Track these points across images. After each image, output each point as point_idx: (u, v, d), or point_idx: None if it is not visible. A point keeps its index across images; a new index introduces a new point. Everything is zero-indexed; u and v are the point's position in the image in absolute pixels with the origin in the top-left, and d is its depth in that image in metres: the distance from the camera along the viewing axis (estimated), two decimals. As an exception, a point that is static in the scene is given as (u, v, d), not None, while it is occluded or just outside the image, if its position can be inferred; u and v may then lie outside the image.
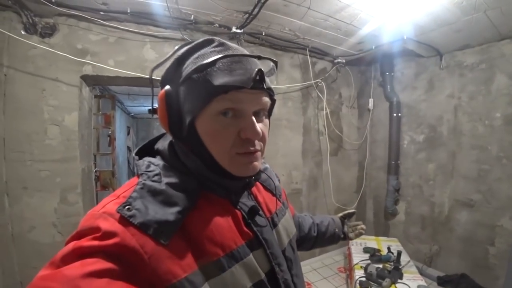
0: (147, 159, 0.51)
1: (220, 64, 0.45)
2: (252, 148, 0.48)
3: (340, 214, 1.00)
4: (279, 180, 0.74)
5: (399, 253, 2.15)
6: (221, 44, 0.49)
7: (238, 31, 2.21)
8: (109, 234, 0.38)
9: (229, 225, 0.49)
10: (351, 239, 0.98)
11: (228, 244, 0.47)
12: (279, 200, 0.66)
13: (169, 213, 0.42)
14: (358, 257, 2.40)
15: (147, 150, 0.56)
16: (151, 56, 2.16)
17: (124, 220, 0.39)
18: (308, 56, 2.72)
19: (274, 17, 2.08)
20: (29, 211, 1.87)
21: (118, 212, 0.40)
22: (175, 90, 0.48)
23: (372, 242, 2.66)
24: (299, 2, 1.86)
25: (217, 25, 2.15)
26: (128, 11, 1.92)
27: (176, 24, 2.09)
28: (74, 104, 1.98)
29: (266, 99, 0.50)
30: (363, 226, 0.99)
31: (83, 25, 1.98)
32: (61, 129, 1.95)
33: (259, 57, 0.50)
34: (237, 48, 0.50)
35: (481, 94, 2.26)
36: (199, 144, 0.48)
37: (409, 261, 2.25)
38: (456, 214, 2.44)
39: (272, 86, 0.52)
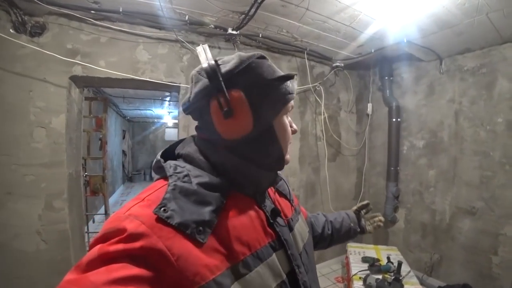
0: (171, 162, 0.51)
1: (291, 80, 0.56)
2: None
3: (354, 208, 1.01)
4: (288, 186, 0.75)
5: (400, 264, 2.07)
6: (267, 59, 0.58)
7: (234, 32, 2.15)
8: (135, 236, 0.37)
9: (253, 225, 0.51)
10: (370, 232, 1.00)
11: (253, 244, 0.48)
12: (292, 206, 0.69)
13: (205, 212, 0.44)
14: (357, 267, 2.31)
15: (168, 155, 0.57)
16: (144, 58, 2.09)
17: (158, 222, 0.39)
18: (306, 60, 2.67)
19: (271, 18, 2.02)
20: (13, 218, 1.78)
21: (155, 214, 0.40)
22: (249, 93, 0.51)
23: (371, 251, 2.57)
24: (297, 2, 1.80)
25: (212, 26, 2.09)
26: (121, 10, 1.85)
27: (170, 24, 2.03)
28: (62, 106, 1.91)
29: None
30: (381, 218, 1.02)
31: (74, 25, 1.91)
32: (47, 132, 1.86)
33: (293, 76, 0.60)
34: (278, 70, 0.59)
35: (482, 99, 2.21)
36: (270, 140, 0.55)
37: (409, 272, 2.16)
38: (458, 222, 2.37)
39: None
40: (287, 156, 0.59)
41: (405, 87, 2.81)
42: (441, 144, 2.51)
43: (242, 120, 0.51)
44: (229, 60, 0.54)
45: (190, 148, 0.55)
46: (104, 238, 0.39)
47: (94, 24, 1.93)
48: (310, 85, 2.78)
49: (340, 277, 2.81)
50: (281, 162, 0.58)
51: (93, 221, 4.21)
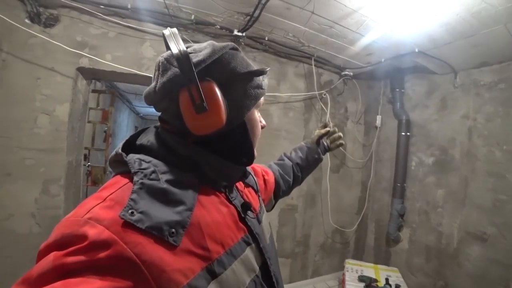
0: (134, 155, 0.46)
1: (264, 75, 0.57)
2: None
3: (315, 138, 1.06)
4: (253, 176, 0.75)
5: (398, 287, 1.93)
6: (240, 51, 0.57)
7: (240, 34, 2.15)
8: (99, 244, 0.33)
9: (226, 220, 0.50)
10: (333, 149, 1.10)
11: (226, 241, 0.47)
12: (259, 197, 0.71)
13: (177, 212, 0.41)
14: (352, 286, 2.20)
15: (129, 147, 0.51)
16: (149, 54, 2.13)
17: (124, 226, 0.36)
18: (313, 66, 2.62)
19: (276, 21, 2.00)
20: (9, 199, 1.83)
21: (121, 218, 0.36)
22: (225, 85, 0.50)
23: (369, 270, 2.43)
24: (302, 5, 1.77)
25: (218, 26, 2.11)
26: (129, 6, 1.91)
27: (176, 23, 2.07)
28: (67, 95, 1.97)
29: None
30: (340, 134, 1.09)
31: (85, 18, 1.99)
32: (51, 119, 1.93)
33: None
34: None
35: (499, 116, 2.05)
36: (242, 135, 0.54)
37: (408, 296, 2.01)
38: (467, 247, 2.18)
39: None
40: (255, 152, 0.59)
41: (416, 100, 2.67)
42: (451, 162, 2.35)
43: (215, 115, 0.48)
44: (201, 48, 0.51)
45: (155, 141, 0.51)
46: (59, 244, 0.34)
47: (104, 19, 1.99)
48: (316, 92, 2.71)
49: (334, 294, 2.67)
50: (251, 157, 0.57)
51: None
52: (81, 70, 2.03)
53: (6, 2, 1.83)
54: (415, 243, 2.58)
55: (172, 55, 0.48)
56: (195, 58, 0.48)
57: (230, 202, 0.54)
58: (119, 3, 1.91)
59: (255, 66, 0.57)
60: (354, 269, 2.45)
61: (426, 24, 1.75)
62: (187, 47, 0.51)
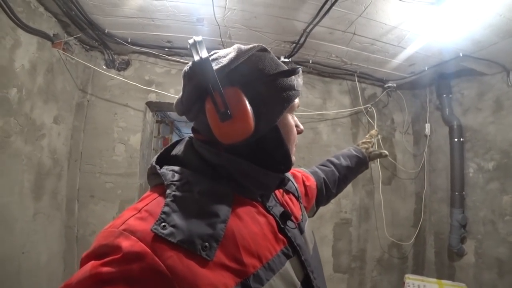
0: (168, 167, 0.47)
1: (297, 74, 0.54)
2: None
3: (370, 152, 1.05)
4: (294, 182, 0.73)
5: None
6: (268, 51, 0.56)
7: (286, 60, 2.34)
8: (131, 256, 0.34)
9: (263, 232, 0.47)
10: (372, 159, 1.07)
11: (264, 254, 0.44)
12: (300, 204, 0.67)
13: (210, 225, 0.40)
14: (417, 301, 2.09)
15: (164, 159, 0.52)
16: (205, 85, 2.40)
17: (156, 240, 0.36)
18: (357, 82, 2.71)
19: (320, 45, 2.16)
20: (93, 217, 2.14)
21: (153, 231, 0.36)
22: (253, 90, 0.48)
23: (433, 285, 2.29)
24: (344, 28, 1.91)
25: (267, 55, 2.32)
26: (188, 47, 2.19)
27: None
28: (139, 126, 2.28)
29: None
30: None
31: (151, 60, 2.34)
32: (126, 147, 2.23)
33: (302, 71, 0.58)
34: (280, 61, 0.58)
35: None
36: (275, 142, 0.51)
37: (484, 312, 1.87)
38: (546, 258, 2.00)
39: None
40: (293, 158, 0.55)
41: (467, 104, 2.59)
42: (516, 166, 2.22)
43: (241, 122, 0.45)
44: (226, 53, 0.50)
45: (188, 151, 0.51)
46: (97, 254, 0.36)
47: (167, 59, 2.33)
48: (362, 107, 2.77)
49: (397, 312, 2.53)
50: (288, 163, 0.54)
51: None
52: (149, 104, 2.35)
53: (91, 54, 2.24)
54: (482, 256, 2.39)
55: (195, 63, 0.47)
56: (219, 64, 0.47)
57: (268, 211, 0.52)
58: (179, 45, 2.22)
59: (286, 66, 0.54)
60: (416, 284, 2.33)
61: (469, 28, 1.76)
62: (212, 54, 0.51)
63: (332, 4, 1.61)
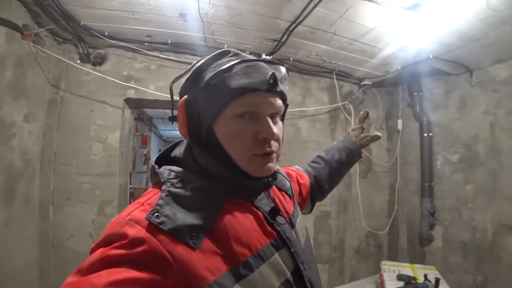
0: (166, 167, 0.51)
1: (236, 69, 0.47)
2: (268, 149, 0.50)
3: (360, 139, 0.96)
4: (289, 181, 0.75)
5: (438, 281, 1.99)
6: (236, 54, 0.52)
7: (267, 57, 2.33)
8: (136, 241, 0.38)
9: (253, 226, 0.50)
10: (365, 145, 0.98)
11: (254, 244, 0.47)
12: (292, 201, 0.68)
13: (198, 217, 0.44)
14: (392, 285, 2.24)
15: (164, 159, 0.57)
16: (187, 81, 2.35)
17: (153, 227, 0.40)
18: (335, 80, 2.81)
19: (301, 43, 2.21)
20: (70, 220, 2.03)
21: (147, 220, 0.41)
22: (194, 98, 0.51)
23: (406, 269, 2.47)
24: (325, 28, 1.97)
25: (248, 52, 2.30)
26: (169, 42, 2.15)
27: (211, 52, 2.29)
28: (117, 124, 2.19)
29: (280, 103, 0.53)
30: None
31: (129, 55, 2.24)
32: (104, 146, 2.14)
33: (273, 62, 0.53)
34: (251, 57, 0.52)
35: (518, 110, 2.17)
36: (218, 148, 0.50)
37: (450, 291, 2.06)
38: (502, 240, 2.23)
39: (285, 91, 0.54)
40: (270, 164, 0.52)
41: (435, 102, 2.80)
42: (477, 157, 2.44)
43: (179, 126, 0.52)
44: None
45: (186, 154, 0.55)
46: (106, 242, 0.40)
47: (146, 54, 2.24)
48: (340, 104, 2.89)
49: (374, 297, 2.70)
50: (240, 171, 0.51)
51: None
52: (128, 101, 2.26)
53: (63, 47, 2.11)
54: (449, 240, 2.63)
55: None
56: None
57: (257, 208, 0.54)
58: (160, 40, 2.15)
59: (225, 68, 0.48)
60: (391, 269, 2.50)
61: (439, 33, 1.91)
62: None
63: (316, 5, 1.66)
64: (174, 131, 5.49)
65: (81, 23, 1.84)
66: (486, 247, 2.33)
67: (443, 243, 2.67)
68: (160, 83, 2.28)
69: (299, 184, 0.82)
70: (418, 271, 2.40)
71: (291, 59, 2.47)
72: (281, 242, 0.53)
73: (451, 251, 2.59)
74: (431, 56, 2.22)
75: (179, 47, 2.24)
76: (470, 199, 2.47)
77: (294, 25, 1.91)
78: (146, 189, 2.29)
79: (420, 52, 2.21)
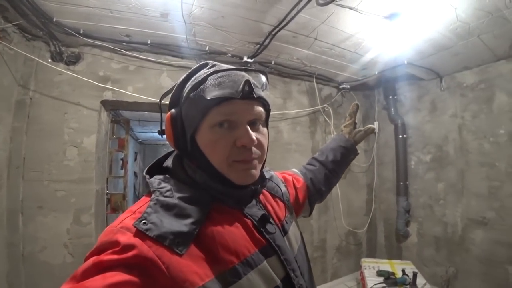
0: (157, 177, 0.53)
1: (211, 80, 0.50)
2: (248, 156, 0.51)
3: (354, 136, 0.94)
4: (285, 185, 0.75)
5: (415, 275, 2.10)
6: (213, 65, 0.55)
7: (249, 60, 2.36)
8: (128, 247, 0.39)
9: (241, 233, 0.51)
10: (359, 141, 0.95)
11: (242, 252, 0.48)
12: (286, 207, 0.68)
13: (184, 225, 0.45)
14: (372, 280, 2.32)
15: (155, 169, 0.58)
16: (167, 84, 2.29)
17: (141, 234, 0.41)
18: (315, 83, 2.87)
19: (283, 47, 2.23)
20: (42, 231, 1.88)
21: (134, 227, 0.42)
22: (178, 112, 0.54)
23: (385, 265, 2.58)
24: (306, 33, 2.01)
25: (229, 55, 2.32)
26: (149, 42, 2.08)
27: (192, 54, 2.25)
28: (93, 127, 2.07)
29: (260, 109, 0.53)
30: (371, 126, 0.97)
31: (106, 55, 2.14)
32: (79, 151, 2.02)
33: (246, 69, 0.54)
34: (228, 66, 0.55)
35: (483, 113, 2.35)
36: (202, 157, 0.52)
37: (425, 284, 2.17)
38: (471, 233, 2.40)
39: (265, 97, 0.55)
40: (252, 171, 0.53)
41: (409, 105, 2.96)
42: (447, 157, 2.61)
43: (168, 138, 0.55)
44: None
45: (175, 164, 0.57)
46: (99, 250, 0.41)
47: (124, 54, 2.15)
48: (319, 106, 2.96)
49: (356, 293, 2.79)
50: (225, 180, 0.52)
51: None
52: (105, 103, 2.15)
53: (33, 44, 1.96)
54: (423, 235, 2.78)
55: None
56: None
57: (246, 216, 0.55)
58: (139, 40, 2.08)
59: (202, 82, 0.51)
60: (371, 266, 2.59)
61: (414, 41, 2.05)
62: None
63: (299, 10, 1.69)
64: (150, 133, 5.31)
65: (54, 20, 1.73)
66: (457, 240, 2.50)
67: (418, 239, 2.82)
68: (139, 85, 2.20)
69: (295, 188, 0.82)
70: (396, 266, 2.51)
71: (273, 62, 2.50)
72: (271, 250, 0.53)
73: (425, 245, 2.75)
74: (405, 62, 2.35)
75: (159, 47, 2.18)
76: (442, 196, 2.63)
77: (277, 29, 1.93)
78: (124, 195, 2.20)
79: (396, 58, 2.33)
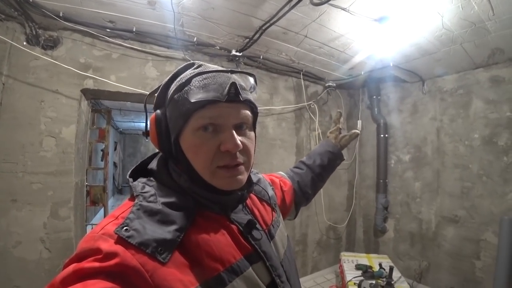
0: (141, 180, 0.52)
1: (196, 82, 0.49)
2: (233, 161, 0.49)
3: (340, 141, 0.98)
4: (273, 188, 0.75)
5: (391, 269, 2.20)
6: (199, 66, 0.54)
7: (238, 54, 2.33)
8: (110, 255, 0.38)
9: (226, 240, 0.50)
10: (345, 146, 1.00)
11: (227, 259, 0.47)
12: (274, 210, 0.67)
13: (167, 232, 0.43)
14: (351, 274, 2.42)
15: (139, 171, 0.56)
16: (152, 74, 2.21)
17: (123, 241, 0.40)
18: (302, 80, 2.89)
19: (273, 42, 2.22)
20: (16, 225, 1.78)
21: (116, 233, 0.40)
22: (163, 113, 0.52)
23: (363, 259, 2.69)
24: (297, 30, 2.01)
25: (218, 47, 2.27)
26: (134, 30, 1.99)
27: (179, 44, 2.18)
28: (73, 117, 1.97)
29: (246, 112, 0.51)
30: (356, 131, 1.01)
31: (87, 40, 2.02)
32: (57, 141, 1.91)
33: (232, 71, 0.52)
34: (214, 67, 0.53)
35: (460, 117, 2.47)
36: (187, 161, 0.50)
37: (400, 277, 2.29)
38: (443, 230, 2.56)
39: (253, 99, 0.54)
40: (238, 177, 0.51)
41: (391, 106, 3.06)
42: (425, 158, 2.74)
43: (152, 139, 0.54)
44: None
45: (160, 168, 0.54)
46: (79, 257, 0.39)
47: (107, 41, 2.04)
48: (305, 103, 2.98)
49: (334, 285, 2.89)
50: (208, 185, 0.51)
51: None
52: (85, 91, 2.05)
53: (6, 24, 1.82)
54: (399, 231, 2.92)
55: None
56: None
57: (231, 222, 0.53)
58: (124, 27, 1.98)
59: (186, 82, 0.50)
60: (350, 259, 2.70)
61: (400, 44, 2.11)
62: None
63: (292, 7, 1.67)
64: (131, 123, 5.15)
65: (31, 0, 1.61)
66: (430, 236, 2.65)
67: (394, 234, 2.96)
68: (122, 74, 2.11)
69: (282, 191, 0.82)
70: (373, 260, 2.63)
71: (261, 57, 2.48)
72: (257, 256, 0.52)
73: (401, 240, 2.89)
74: (391, 64, 2.41)
75: (144, 36, 2.09)
76: (418, 195, 2.77)
77: (267, 24, 1.91)
78: (104, 187, 2.13)
79: (382, 59, 2.38)
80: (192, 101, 0.47)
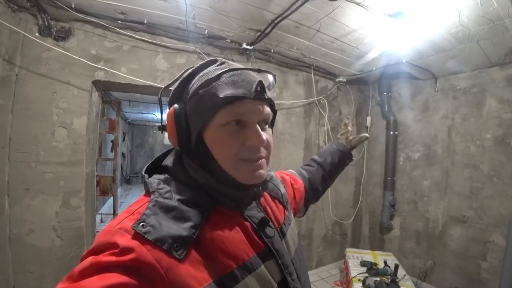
0: (156, 176, 0.52)
1: (224, 78, 0.49)
2: (256, 155, 0.51)
3: (350, 142, 1.02)
4: (284, 186, 0.75)
5: (397, 266, 2.21)
6: (223, 63, 0.54)
7: (249, 47, 2.31)
8: (127, 250, 0.39)
9: (240, 237, 0.51)
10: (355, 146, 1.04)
11: (240, 256, 0.48)
12: (286, 209, 0.68)
13: (183, 228, 0.44)
14: (356, 270, 2.44)
15: (155, 167, 0.57)
16: (162, 66, 2.21)
17: (139, 236, 0.40)
18: (312, 74, 2.85)
19: (284, 36, 2.19)
20: (29, 214, 1.83)
21: (133, 229, 0.41)
22: (183, 108, 0.52)
23: (368, 256, 2.71)
24: (309, 24, 1.98)
25: (228, 40, 2.25)
26: (145, 21, 1.98)
27: (190, 37, 2.17)
28: (84, 108, 1.99)
29: (268, 110, 0.53)
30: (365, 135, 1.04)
31: (98, 32, 2.02)
32: (69, 132, 1.94)
33: (259, 70, 0.54)
34: (238, 65, 0.54)
35: (473, 116, 2.42)
36: (207, 155, 0.51)
37: (405, 275, 2.31)
38: (450, 229, 2.54)
39: (273, 98, 0.55)
40: (260, 171, 0.52)
41: (402, 103, 3.01)
42: (434, 156, 2.70)
43: (170, 134, 0.53)
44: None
45: (176, 164, 0.55)
46: (96, 250, 0.40)
47: (118, 33, 2.04)
48: (315, 98, 2.96)
49: (338, 281, 2.92)
50: (228, 182, 0.51)
51: (101, 221, 4.27)
52: (96, 83, 2.07)
53: (19, 15, 1.83)
54: (406, 229, 2.91)
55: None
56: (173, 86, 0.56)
57: (245, 219, 0.54)
58: (135, 18, 1.98)
59: (214, 78, 0.50)
60: (355, 256, 2.72)
61: (414, 41, 2.06)
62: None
63: (305, 1, 1.64)
64: (139, 114, 5.18)
65: (43, -9, 1.62)
66: (436, 235, 2.64)
67: (400, 232, 2.96)
68: (133, 66, 2.11)
69: (293, 188, 0.83)
70: (378, 257, 2.64)
71: (272, 51, 2.45)
72: (269, 254, 0.53)
73: (407, 238, 2.89)
74: (404, 61, 2.36)
75: (155, 28, 2.09)
76: (426, 193, 2.75)
77: (280, 18, 1.88)
78: (113, 177, 2.16)
79: (395, 56, 2.33)
80: (221, 96, 0.47)
